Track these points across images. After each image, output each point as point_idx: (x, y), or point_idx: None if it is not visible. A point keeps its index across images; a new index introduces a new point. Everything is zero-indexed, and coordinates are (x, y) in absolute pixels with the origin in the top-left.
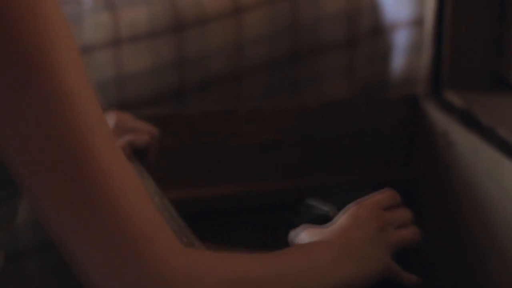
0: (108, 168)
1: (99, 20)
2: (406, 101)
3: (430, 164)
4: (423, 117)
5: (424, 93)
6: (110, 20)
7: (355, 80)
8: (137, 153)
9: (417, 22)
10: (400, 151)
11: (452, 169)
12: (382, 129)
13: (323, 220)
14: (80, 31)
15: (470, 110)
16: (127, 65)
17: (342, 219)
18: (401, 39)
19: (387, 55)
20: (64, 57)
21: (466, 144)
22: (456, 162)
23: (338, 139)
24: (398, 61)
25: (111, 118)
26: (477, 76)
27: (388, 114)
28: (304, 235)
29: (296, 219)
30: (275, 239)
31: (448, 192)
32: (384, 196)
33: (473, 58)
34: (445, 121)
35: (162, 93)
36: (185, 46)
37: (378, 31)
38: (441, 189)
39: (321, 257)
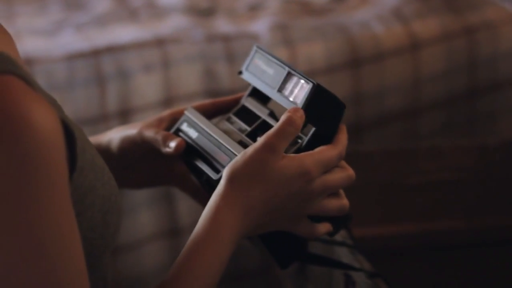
0: None
1: (276, 55)
2: None
3: None
4: None
5: None
6: (287, 55)
7: None
8: None
9: None
10: None
11: None
12: None
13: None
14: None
15: None
16: None
17: (283, 170)
18: None
19: None
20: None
21: None
22: None
23: None
24: None
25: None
26: None
27: None
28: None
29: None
30: (454, 277)
31: None
32: (332, 155)
33: None
34: None
35: None
36: (362, 82)
37: None
38: None
39: (222, 244)
